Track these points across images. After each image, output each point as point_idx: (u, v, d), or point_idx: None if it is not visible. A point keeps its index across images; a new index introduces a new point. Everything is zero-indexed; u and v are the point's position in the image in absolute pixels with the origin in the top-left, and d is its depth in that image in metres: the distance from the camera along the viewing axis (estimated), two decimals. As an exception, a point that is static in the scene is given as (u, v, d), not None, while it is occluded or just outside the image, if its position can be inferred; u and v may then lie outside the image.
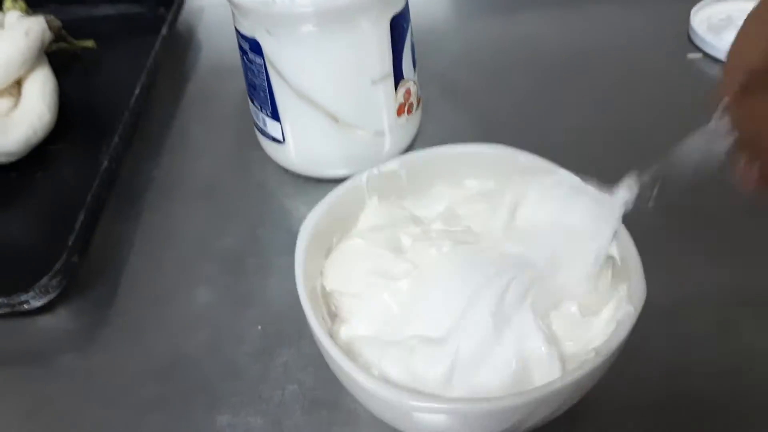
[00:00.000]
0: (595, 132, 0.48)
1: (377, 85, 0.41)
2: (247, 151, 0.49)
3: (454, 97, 0.51)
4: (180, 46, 0.59)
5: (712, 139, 0.27)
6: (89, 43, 0.57)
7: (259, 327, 0.38)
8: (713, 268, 0.39)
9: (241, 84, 0.53)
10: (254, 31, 0.40)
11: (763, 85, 0.25)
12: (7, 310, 0.38)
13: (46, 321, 0.40)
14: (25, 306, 0.38)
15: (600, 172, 0.33)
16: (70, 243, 0.40)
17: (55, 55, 0.54)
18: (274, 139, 0.44)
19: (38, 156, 0.48)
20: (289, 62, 0.40)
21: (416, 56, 0.45)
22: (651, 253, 0.31)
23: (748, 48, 0.26)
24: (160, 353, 0.38)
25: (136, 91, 0.49)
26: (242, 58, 0.43)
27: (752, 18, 0.26)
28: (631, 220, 0.31)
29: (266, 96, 0.42)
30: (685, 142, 0.28)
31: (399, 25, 0.41)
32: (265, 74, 0.41)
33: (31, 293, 0.38)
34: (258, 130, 0.46)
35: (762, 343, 0.36)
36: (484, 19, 0.60)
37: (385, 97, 0.42)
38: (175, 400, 0.36)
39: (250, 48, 0.41)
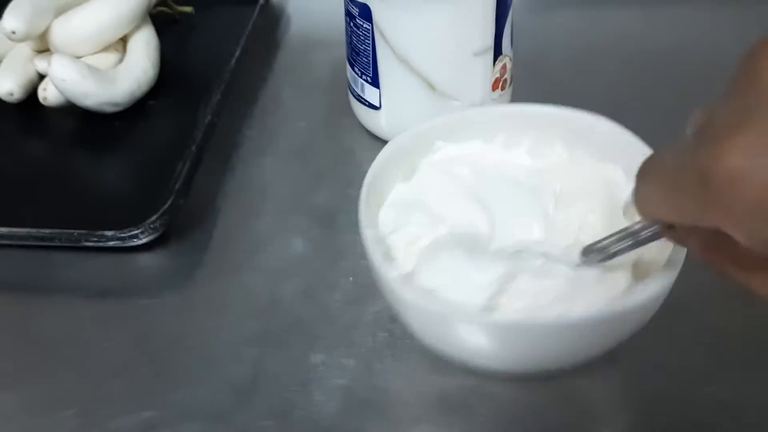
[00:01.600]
0: (680, 130, 0.48)
1: (477, 57, 0.43)
2: (337, 117, 0.51)
3: (541, 81, 0.52)
4: (273, 17, 0.61)
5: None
6: (188, 9, 0.59)
7: (351, 278, 0.40)
8: None
9: (330, 56, 0.55)
10: (366, -4, 0.42)
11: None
12: (117, 243, 0.40)
13: (147, 259, 0.42)
14: (135, 241, 0.40)
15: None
16: (176, 186, 0.42)
17: (156, 19, 0.57)
18: (371, 105, 0.46)
19: (140, 109, 0.51)
20: (396, 29, 0.42)
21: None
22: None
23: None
24: (256, 295, 0.40)
25: (237, 53, 0.51)
26: (348, 24, 0.45)
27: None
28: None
29: (369, 61, 0.44)
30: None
31: (504, 0, 0.42)
32: (371, 39, 0.43)
33: (141, 229, 0.40)
34: (354, 96, 0.48)
35: None
36: (570, 12, 0.61)
37: (483, 70, 0.44)
38: (271, 337, 0.38)
39: (360, 13, 0.43)
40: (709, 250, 0.24)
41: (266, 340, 0.38)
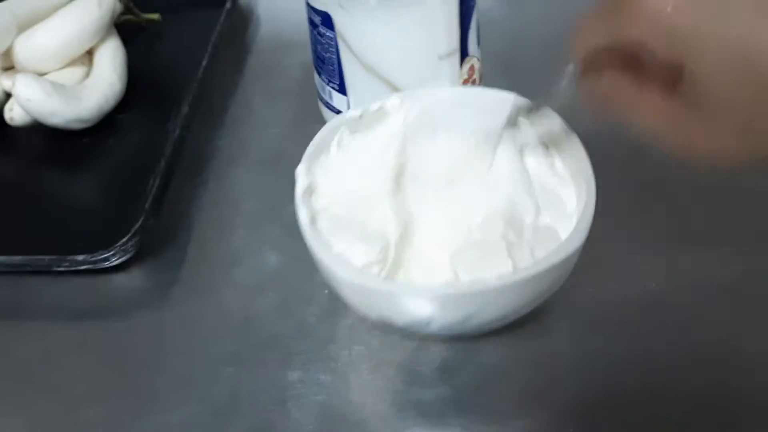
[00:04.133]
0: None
1: (443, 60, 0.43)
2: (309, 123, 0.50)
3: (511, 76, 0.52)
4: (242, 20, 0.61)
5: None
6: (155, 16, 0.59)
7: (326, 291, 0.40)
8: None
9: (301, 58, 0.54)
10: (327, 4, 0.41)
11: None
12: (89, 266, 0.40)
13: (120, 280, 0.42)
14: (106, 264, 0.40)
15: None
16: (147, 206, 0.42)
17: (121, 28, 0.56)
18: (339, 112, 0.46)
19: (109, 123, 0.50)
20: (359, 36, 0.41)
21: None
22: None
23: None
24: (231, 312, 0.40)
25: (204, 62, 0.51)
26: (311, 32, 0.44)
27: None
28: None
29: (334, 69, 0.44)
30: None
31: (467, 2, 0.42)
32: (335, 48, 0.42)
33: (112, 251, 0.40)
34: (323, 103, 0.47)
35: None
36: (540, 4, 0.61)
37: (450, 73, 0.43)
38: (248, 355, 0.38)
39: (322, 22, 0.42)
40: (617, 92, 0.29)
41: (243, 359, 0.37)
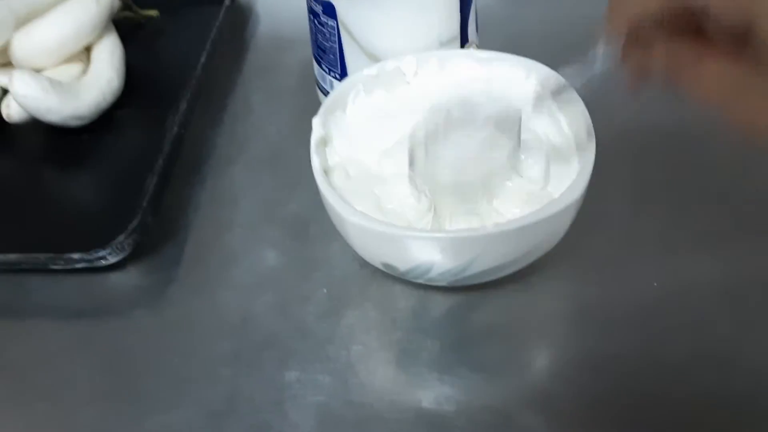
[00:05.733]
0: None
1: (444, 47, 0.43)
2: (308, 120, 0.49)
3: None
4: (240, 17, 0.60)
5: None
6: (153, 13, 0.58)
7: (325, 290, 0.40)
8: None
9: (300, 55, 0.54)
10: (328, -7, 0.41)
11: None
12: (85, 265, 0.40)
13: (117, 278, 0.42)
14: (102, 262, 0.40)
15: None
16: (144, 203, 0.41)
17: (120, 24, 0.56)
18: (340, 105, 0.45)
19: (107, 120, 0.50)
20: (361, 24, 0.42)
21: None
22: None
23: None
24: (229, 311, 0.39)
25: (202, 60, 0.50)
26: (312, 22, 0.44)
27: None
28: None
29: (336, 58, 0.43)
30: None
31: (467, -13, 0.42)
32: (336, 37, 0.42)
33: (108, 250, 0.39)
34: (323, 93, 0.47)
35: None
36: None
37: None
38: (245, 355, 0.37)
39: (323, 11, 0.42)
40: (675, 63, 0.27)
41: (240, 359, 0.37)
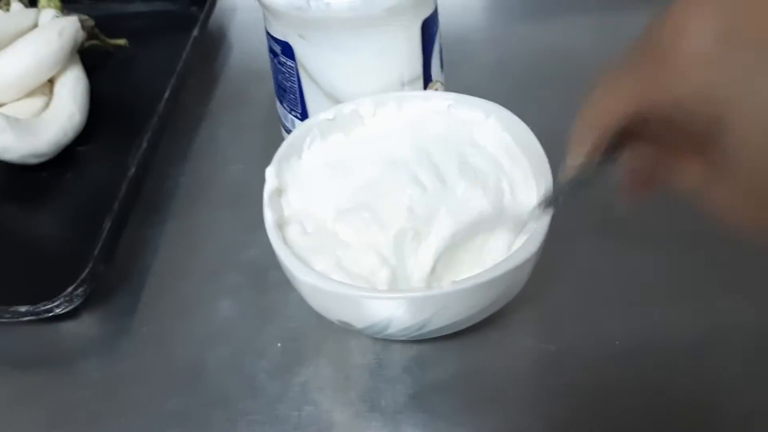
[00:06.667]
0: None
1: (407, 87, 0.42)
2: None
3: (502, 89, 0.50)
4: (211, 46, 0.59)
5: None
6: (121, 42, 0.57)
7: (279, 344, 0.39)
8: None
9: (270, 86, 0.53)
10: (287, 34, 0.40)
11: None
12: (32, 317, 0.38)
13: (69, 327, 0.41)
14: (49, 314, 0.38)
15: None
16: (96, 252, 0.40)
17: (88, 53, 0.55)
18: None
19: (68, 156, 0.49)
20: (321, 65, 0.40)
21: (446, 66, 0.44)
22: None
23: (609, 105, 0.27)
24: (181, 365, 0.38)
25: (165, 95, 0.49)
26: (272, 61, 0.43)
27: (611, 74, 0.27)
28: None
29: (296, 98, 0.42)
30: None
31: (429, 28, 0.41)
32: (296, 77, 0.41)
33: (57, 302, 0.38)
34: (286, 131, 0.46)
35: None
36: (517, 27, 0.59)
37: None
38: (195, 413, 0.36)
39: (282, 51, 0.41)
40: (654, 167, 0.28)
41: (189, 418, 0.36)
